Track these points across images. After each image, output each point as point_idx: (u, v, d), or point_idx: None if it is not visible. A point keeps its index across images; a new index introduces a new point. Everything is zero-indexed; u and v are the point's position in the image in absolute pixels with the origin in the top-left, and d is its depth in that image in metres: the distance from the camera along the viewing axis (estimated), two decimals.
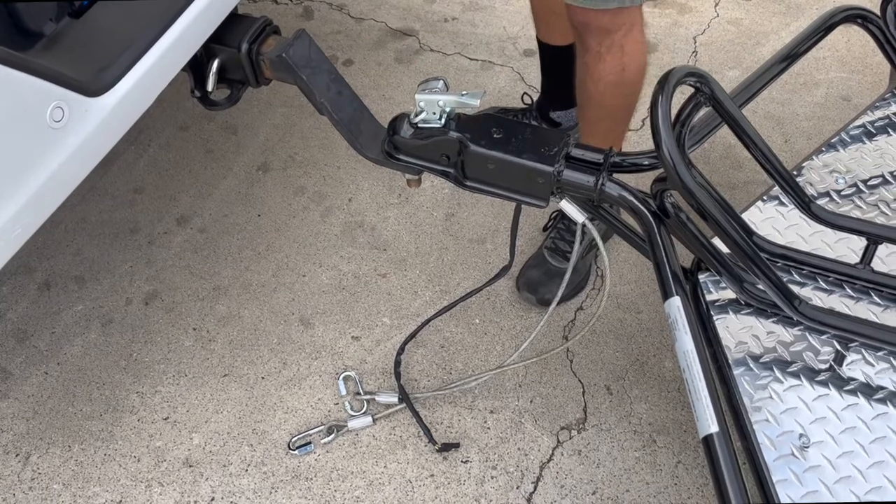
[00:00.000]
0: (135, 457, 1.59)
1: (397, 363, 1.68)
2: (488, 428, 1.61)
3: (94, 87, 1.06)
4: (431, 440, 1.57)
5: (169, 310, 1.81)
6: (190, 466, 1.57)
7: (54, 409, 1.65)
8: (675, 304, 1.10)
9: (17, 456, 1.59)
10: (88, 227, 1.97)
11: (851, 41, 2.33)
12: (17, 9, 1.03)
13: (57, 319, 1.80)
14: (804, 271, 1.37)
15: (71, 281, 1.87)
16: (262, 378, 1.70)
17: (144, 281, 1.86)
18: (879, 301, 1.33)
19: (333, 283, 1.86)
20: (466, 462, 1.57)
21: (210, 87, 1.40)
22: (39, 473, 1.56)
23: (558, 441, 1.59)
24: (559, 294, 1.44)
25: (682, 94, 1.10)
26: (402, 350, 1.70)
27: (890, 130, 1.61)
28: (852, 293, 1.35)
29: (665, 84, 1.07)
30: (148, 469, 1.57)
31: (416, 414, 1.60)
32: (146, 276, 1.87)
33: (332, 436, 1.59)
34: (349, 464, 1.57)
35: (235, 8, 1.38)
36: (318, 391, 1.67)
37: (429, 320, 1.74)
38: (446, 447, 1.57)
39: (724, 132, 1.43)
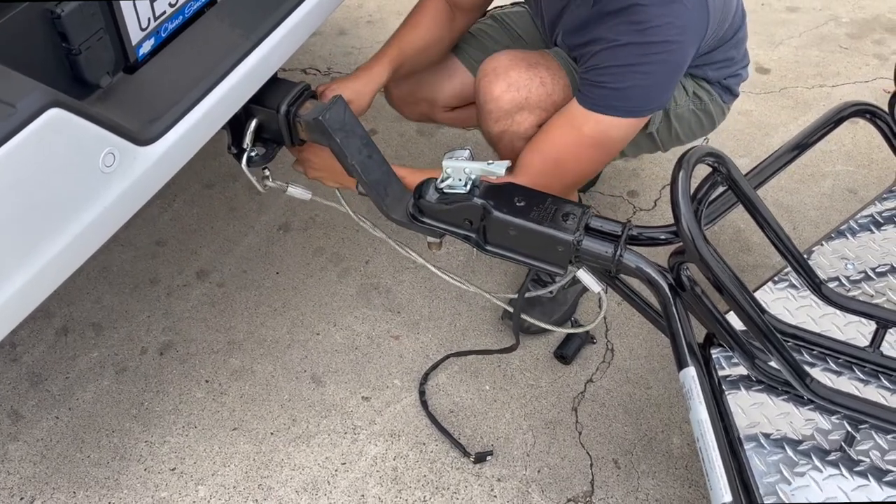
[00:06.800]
0: None
1: (422, 393, 1.77)
2: (495, 496, 1.60)
3: (143, 136, 1.11)
4: (465, 453, 1.66)
5: (183, 361, 1.83)
6: None
7: (62, 455, 1.65)
8: (690, 374, 1.13)
9: (21, 499, 1.58)
10: (109, 276, 2.01)
11: (857, 137, 2.41)
12: (78, 63, 1.10)
13: (72, 365, 1.82)
14: (814, 352, 1.40)
15: (88, 328, 1.89)
16: (271, 433, 1.70)
17: (161, 332, 1.89)
18: (889, 385, 1.35)
19: (347, 342, 1.88)
20: None
21: (246, 145, 1.46)
22: None
23: None
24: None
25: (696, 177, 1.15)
26: (424, 380, 1.79)
27: None
28: (862, 376, 1.37)
29: (685, 162, 1.12)
30: None
31: (445, 432, 1.69)
32: (163, 326, 1.90)
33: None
34: None
35: (276, 72, 1.46)
36: (326, 450, 1.67)
37: (448, 356, 1.83)
38: (481, 457, 1.65)
39: (734, 216, 1.48)
